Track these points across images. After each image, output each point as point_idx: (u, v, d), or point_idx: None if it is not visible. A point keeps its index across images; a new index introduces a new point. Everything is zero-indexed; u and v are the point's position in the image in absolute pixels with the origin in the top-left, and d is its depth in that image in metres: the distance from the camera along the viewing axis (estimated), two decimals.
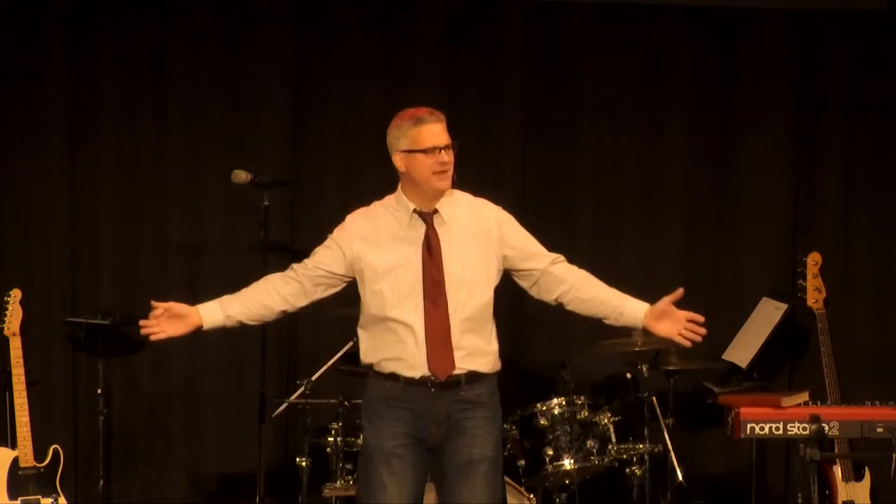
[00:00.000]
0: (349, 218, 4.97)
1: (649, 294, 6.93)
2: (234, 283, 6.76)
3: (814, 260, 6.73)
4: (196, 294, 6.83)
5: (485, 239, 4.95)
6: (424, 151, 4.84)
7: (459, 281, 4.86)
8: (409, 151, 4.85)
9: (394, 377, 4.84)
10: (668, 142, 6.98)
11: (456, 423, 4.86)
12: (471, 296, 4.88)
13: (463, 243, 4.91)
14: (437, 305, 4.83)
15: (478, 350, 4.89)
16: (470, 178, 6.88)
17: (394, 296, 4.83)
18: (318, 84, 6.87)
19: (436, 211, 4.92)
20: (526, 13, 6.89)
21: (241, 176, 6.21)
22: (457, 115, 6.87)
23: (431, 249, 4.87)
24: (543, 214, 6.96)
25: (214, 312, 5.02)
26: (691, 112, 6.99)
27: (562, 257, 5.08)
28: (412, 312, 4.82)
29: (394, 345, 4.84)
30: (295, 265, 4.94)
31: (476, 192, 6.90)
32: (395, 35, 6.88)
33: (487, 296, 4.92)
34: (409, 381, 4.83)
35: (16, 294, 6.51)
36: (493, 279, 4.94)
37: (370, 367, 4.92)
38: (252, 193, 6.34)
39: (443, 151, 4.85)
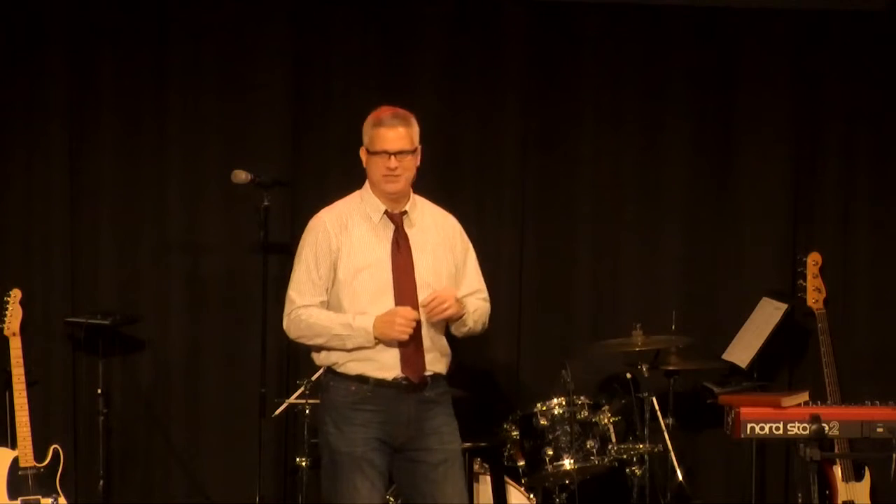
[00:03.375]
0: (321, 220, 4.93)
1: (649, 294, 6.98)
2: (234, 283, 6.83)
3: (814, 260, 6.73)
4: (196, 294, 6.87)
5: (448, 247, 4.99)
6: (375, 154, 4.86)
7: (426, 284, 4.88)
8: (367, 151, 4.90)
9: (361, 379, 4.85)
10: (668, 141, 6.97)
11: (422, 423, 4.89)
12: None
13: (429, 248, 4.94)
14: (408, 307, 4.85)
15: (443, 352, 4.96)
16: (470, 174, 6.97)
17: (367, 295, 4.84)
18: (318, 84, 6.86)
19: (405, 213, 4.93)
20: (526, 12, 6.89)
21: (241, 176, 6.22)
22: (457, 113, 6.93)
23: (401, 251, 4.89)
24: (544, 214, 6.96)
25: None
26: (691, 112, 6.98)
27: (485, 294, 5.10)
28: None
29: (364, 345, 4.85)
30: (308, 292, 4.89)
31: (476, 190, 6.96)
32: (396, 35, 6.87)
33: None
34: (380, 383, 4.84)
35: (16, 294, 6.50)
36: (451, 286, 4.96)
37: (330, 368, 4.91)
38: (252, 193, 6.34)
39: (393, 157, 4.84)
